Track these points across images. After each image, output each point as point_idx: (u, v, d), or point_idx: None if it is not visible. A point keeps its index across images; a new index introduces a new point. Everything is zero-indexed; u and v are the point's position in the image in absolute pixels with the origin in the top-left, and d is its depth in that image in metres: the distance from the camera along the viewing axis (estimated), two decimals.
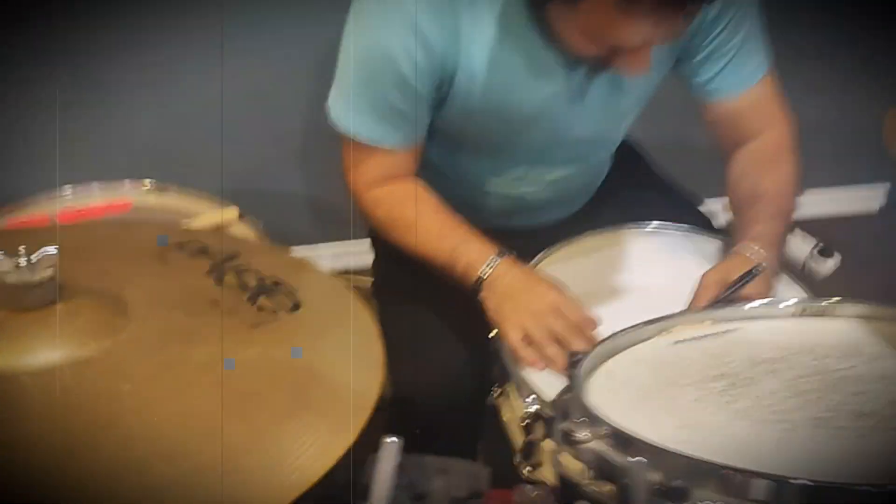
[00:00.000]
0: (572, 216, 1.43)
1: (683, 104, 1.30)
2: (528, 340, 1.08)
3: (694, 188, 1.48)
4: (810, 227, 2.31)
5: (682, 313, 0.90)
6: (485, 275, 1.14)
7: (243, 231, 1.34)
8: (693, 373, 0.84)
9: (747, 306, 0.97)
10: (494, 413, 1.11)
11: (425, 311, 1.28)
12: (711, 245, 1.27)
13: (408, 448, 1.26)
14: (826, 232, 2.31)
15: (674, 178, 1.52)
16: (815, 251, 2.22)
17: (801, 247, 2.27)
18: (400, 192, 1.24)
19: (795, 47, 1.88)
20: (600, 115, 1.25)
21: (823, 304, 0.97)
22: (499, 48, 1.13)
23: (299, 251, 2.09)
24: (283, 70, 1.95)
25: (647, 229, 1.30)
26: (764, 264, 1.10)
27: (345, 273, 2.08)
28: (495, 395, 1.11)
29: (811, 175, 2.32)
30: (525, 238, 1.38)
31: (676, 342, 0.87)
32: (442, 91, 1.17)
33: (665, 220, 1.34)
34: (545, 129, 1.23)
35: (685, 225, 1.31)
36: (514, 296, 1.11)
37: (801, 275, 1.98)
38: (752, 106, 1.27)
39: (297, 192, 2.13)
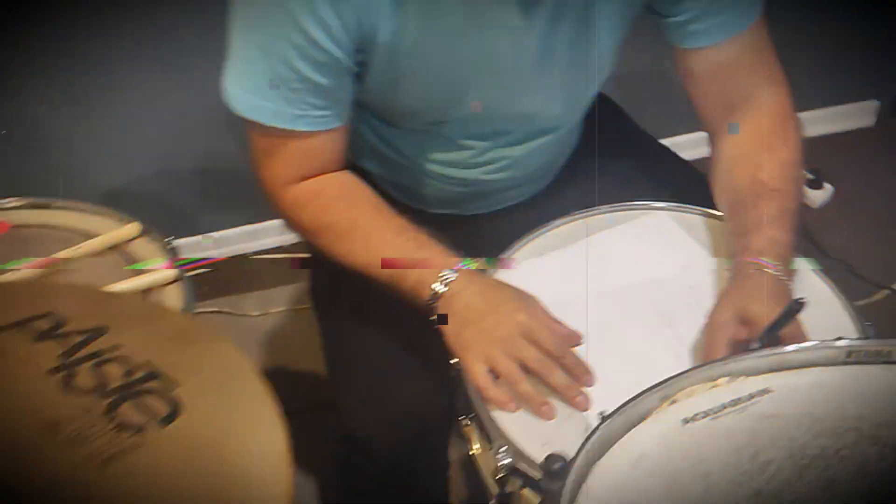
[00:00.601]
0: (538, 196, 1.19)
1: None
2: (496, 374, 0.87)
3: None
4: (804, 149, 2.18)
5: (688, 373, 0.65)
6: (439, 292, 0.92)
7: (146, 250, 1.09)
8: (721, 485, 0.58)
9: (770, 353, 0.68)
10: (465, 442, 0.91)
11: (377, 332, 1.05)
12: (707, 225, 1.04)
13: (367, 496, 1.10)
14: (819, 155, 2.17)
15: (657, 135, 1.27)
16: (806, 183, 2.07)
17: None
18: (327, 190, 0.99)
19: None
20: (568, 70, 1.00)
21: (880, 346, 0.65)
22: None
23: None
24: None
25: (629, 210, 1.07)
26: (805, 298, 0.82)
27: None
28: (465, 423, 0.91)
29: (799, 98, 2.23)
30: (482, 226, 1.15)
31: (686, 421, 0.62)
32: (364, 54, 0.92)
33: (650, 196, 1.10)
34: (500, 93, 0.99)
35: (673, 203, 1.08)
36: (476, 319, 0.89)
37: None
38: (743, 57, 1.01)
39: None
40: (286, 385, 1.70)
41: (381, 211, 0.98)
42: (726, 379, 0.64)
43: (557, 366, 0.86)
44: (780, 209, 0.94)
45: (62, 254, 1.02)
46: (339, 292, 1.10)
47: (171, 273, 1.00)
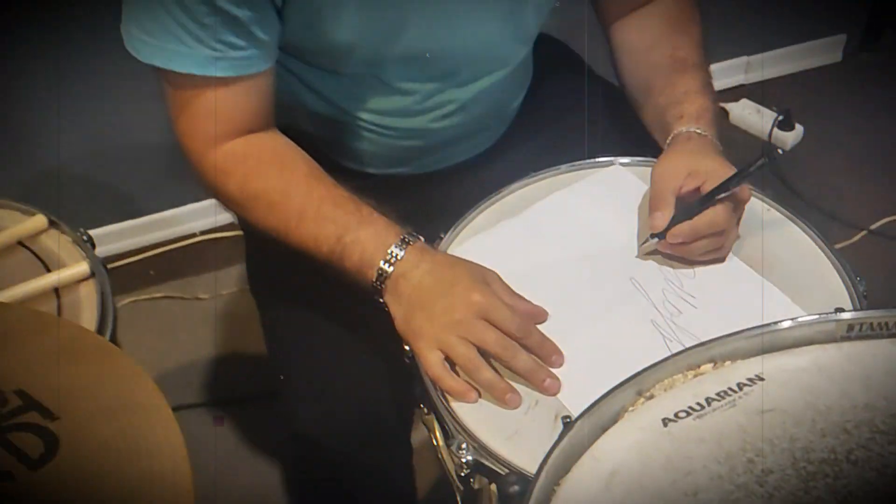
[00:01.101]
0: (490, 151, 1.09)
1: None
2: (453, 363, 0.77)
3: None
4: (772, 89, 2.12)
5: (665, 361, 0.55)
6: (386, 272, 0.81)
7: (53, 244, 0.97)
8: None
9: (760, 331, 0.57)
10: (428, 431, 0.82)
11: (321, 316, 0.94)
12: None
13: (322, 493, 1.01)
14: (786, 94, 2.09)
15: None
16: (776, 125, 1.99)
17: (759, 121, 2.04)
18: (256, 154, 0.88)
19: None
20: None
21: (884, 316, 0.55)
22: None
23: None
24: None
25: (590, 168, 0.98)
26: (780, 150, 0.84)
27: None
28: (425, 412, 0.82)
29: (765, 37, 2.16)
30: (433, 188, 1.05)
31: (666, 422, 0.52)
32: None
33: (610, 145, 1.01)
34: (440, 24, 0.88)
35: (639, 158, 0.98)
36: (427, 302, 0.79)
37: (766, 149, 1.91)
38: None
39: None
40: (241, 370, 1.64)
41: (318, 179, 0.87)
42: (710, 365, 0.54)
43: (520, 347, 0.76)
44: (704, 82, 0.94)
45: None
46: (278, 272, 0.99)
47: (83, 269, 0.89)
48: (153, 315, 1.75)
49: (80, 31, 1.56)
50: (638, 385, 0.53)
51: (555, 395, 0.75)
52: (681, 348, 0.74)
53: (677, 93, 0.92)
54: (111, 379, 0.55)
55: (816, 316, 0.54)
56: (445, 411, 0.77)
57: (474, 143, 1.06)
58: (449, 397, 0.77)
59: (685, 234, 0.82)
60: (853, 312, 0.54)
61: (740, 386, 0.52)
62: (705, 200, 0.81)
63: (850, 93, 2.13)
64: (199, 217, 1.90)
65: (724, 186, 0.80)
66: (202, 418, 1.56)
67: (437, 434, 0.81)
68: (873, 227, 1.77)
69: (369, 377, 0.93)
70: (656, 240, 0.83)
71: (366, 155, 1.01)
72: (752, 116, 2.05)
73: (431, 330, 0.78)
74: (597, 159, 0.99)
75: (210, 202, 1.87)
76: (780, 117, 2.00)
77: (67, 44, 1.58)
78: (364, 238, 0.83)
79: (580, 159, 0.99)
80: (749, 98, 2.09)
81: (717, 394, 0.52)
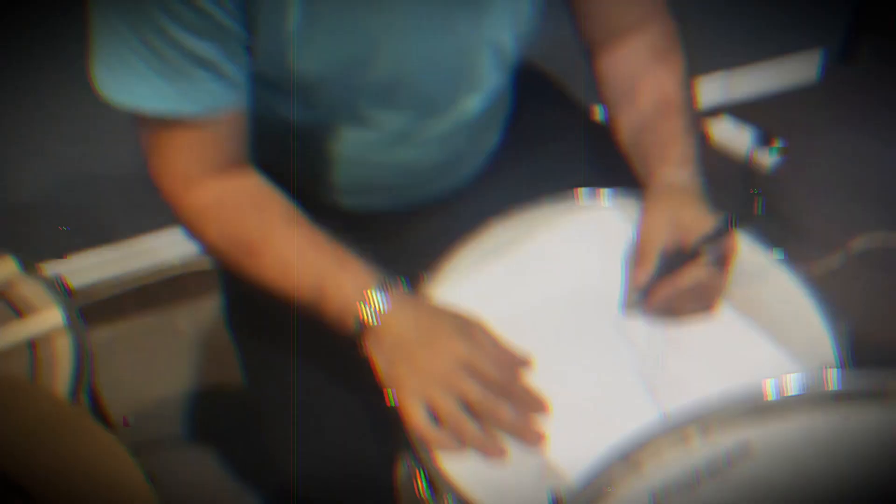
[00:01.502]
0: (468, 186, 1.07)
1: None
2: (436, 417, 0.76)
3: None
4: (749, 107, 2.12)
5: (651, 429, 0.54)
6: (367, 322, 0.80)
7: (26, 291, 0.95)
8: None
9: (744, 394, 0.54)
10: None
11: (304, 356, 0.92)
12: None
13: None
14: (766, 113, 2.09)
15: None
16: (756, 146, 1.99)
17: (739, 141, 2.03)
18: (234, 198, 0.86)
19: None
20: (487, 17, 0.88)
21: (877, 380, 0.52)
22: None
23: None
24: None
25: (575, 203, 0.96)
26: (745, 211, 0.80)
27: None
28: (409, 460, 0.80)
29: (741, 52, 2.16)
30: (413, 226, 1.04)
31: (656, 499, 0.49)
32: (251, 12, 0.78)
33: (595, 181, 0.99)
34: (412, 48, 0.86)
35: (626, 194, 0.96)
36: (409, 354, 0.78)
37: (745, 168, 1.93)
38: None
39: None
40: (223, 405, 1.61)
41: (296, 222, 0.86)
42: (698, 431, 0.53)
43: (504, 400, 0.75)
44: (690, 120, 0.92)
45: None
46: (255, 309, 0.97)
47: (55, 318, 0.87)
48: (131, 347, 1.72)
49: (44, 54, 1.54)
50: (626, 454, 0.52)
51: (538, 445, 0.74)
52: (665, 400, 0.75)
53: (660, 136, 0.90)
54: (86, 458, 0.52)
55: (805, 380, 0.53)
56: (432, 466, 0.75)
57: (453, 177, 1.05)
58: (436, 454, 0.76)
59: (666, 293, 0.81)
60: (844, 376, 0.52)
61: (729, 457, 0.51)
62: (683, 257, 0.79)
63: (829, 109, 2.14)
64: (180, 246, 1.87)
65: (698, 245, 0.79)
66: (181, 455, 1.54)
67: (422, 485, 0.79)
68: (853, 246, 1.77)
69: (352, 423, 0.91)
70: (636, 303, 0.82)
71: (341, 188, 1.00)
72: (731, 134, 2.04)
73: (414, 383, 0.77)
74: (582, 195, 0.97)
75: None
76: (760, 135, 1.99)
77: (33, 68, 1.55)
78: (344, 284, 0.81)
79: (564, 193, 0.98)
80: (728, 115, 2.09)
81: (706, 464, 0.51)
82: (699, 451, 0.51)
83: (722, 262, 0.81)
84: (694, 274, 0.80)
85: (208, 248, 0.89)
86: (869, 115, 2.09)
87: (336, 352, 0.86)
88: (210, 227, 0.86)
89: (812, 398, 0.52)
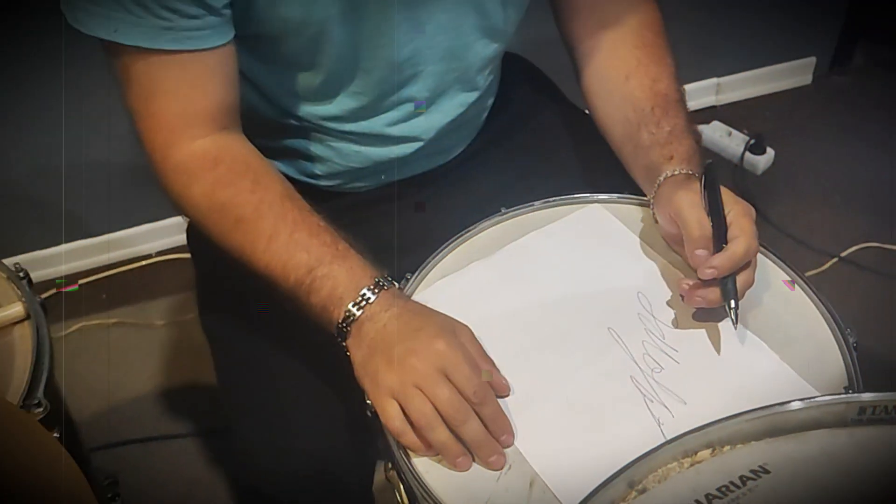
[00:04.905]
0: (451, 169, 1.02)
1: None
2: (406, 415, 0.71)
3: None
4: (741, 112, 2.10)
5: (657, 449, 0.49)
6: (353, 315, 0.75)
7: None
8: None
9: (754, 414, 0.50)
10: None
11: (280, 355, 0.87)
12: (647, 216, 0.89)
13: None
14: (757, 118, 2.07)
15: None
16: (748, 149, 1.97)
17: (731, 144, 2.00)
18: (228, 161, 0.79)
19: None
20: None
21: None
22: None
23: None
24: None
25: (566, 205, 0.92)
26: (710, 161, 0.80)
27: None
28: (389, 467, 0.76)
29: (736, 59, 2.13)
30: (389, 204, 0.98)
31: None
32: None
33: (585, 178, 0.97)
34: (400, 5, 0.81)
35: (618, 195, 0.91)
36: (388, 345, 0.73)
37: (737, 173, 1.89)
38: None
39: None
40: (198, 402, 1.56)
41: (293, 201, 0.79)
42: (708, 451, 0.48)
43: (473, 413, 0.70)
44: (688, 119, 0.88)
45: None
46: (230, 303, 0.92)
47: (17, 310, 0.81)
48: (104, 342, 1.67)
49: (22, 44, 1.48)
50: (629, 477, 0.47)
51: (498, 470, 0.69)
52: (663, 409, 0.70)
53: (663, 132, 0.86)
54: (30, 468, 0.47)
55: (827, 397, 0.49)
56: (411, 475, 0.71)
57: (436, 155, 1.00)
58: (415, 461, 0.71)
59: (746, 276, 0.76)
60: (866, 395, 0.48)
61: (743, 480, 0.46)
62: (718, 226, 0.76)
63: (820, 116, 2.12)
64: (155, 238, 1.82)
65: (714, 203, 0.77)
66: (155, 452, 1.49)
67: (402, 494, 0.75)
68: (844, 254, 1.75)
69: (328, 426, 0.87)
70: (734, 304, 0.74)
71: (319, 164, 0.95)
72: (722, 139, 2.03)
73: (388, 377, 0.72)
74: (573, 195, 0.93)
75: (167, 222, 1.79)
76: (752, 141, 1.97)
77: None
78: (337, 274, 0.76)
79: (553, 186, 0.93)
80: (720, 120, 2.07)
81: (719, 489, 0.46)
82: (710, 474, 0.47)
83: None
84: (745, 244, 0.75)
85: (190, 210, 0.81)
86: (858, 123, 2.07)
87: (313, 347, 0.82)
88: (196, 186, 0.79)
89: (831, 416, 0.47)
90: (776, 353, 0.76)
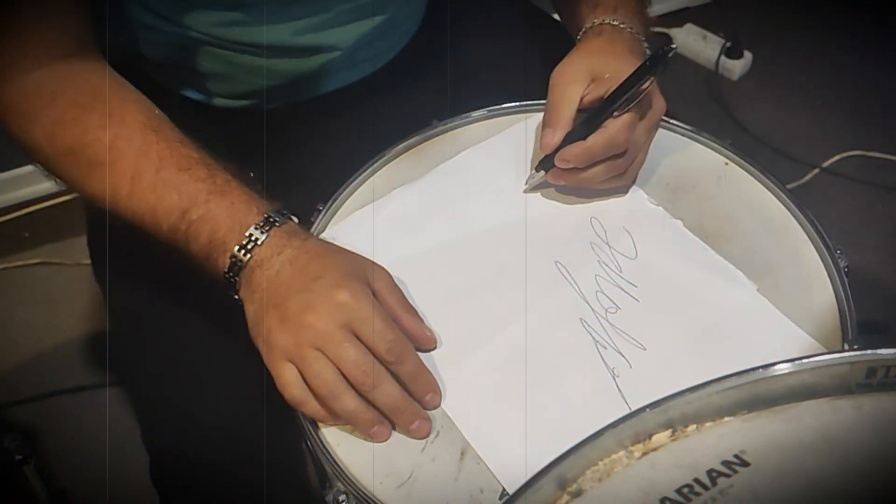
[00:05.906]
0: (379, 81, 0.86)
1: None
2: (305, 381, 0.59)
3: None
4: (716, 13, 1.95)
5: (597, 435, 0.34)
6: (241, 261, 0.61)
7: None
8: None
9: (728, 382, 0.36)
10: None
11: (178, 312, 0.74)
12: None
13: None
14: (733, 19, 1.92)
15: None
16: (724, 53, 1.83)
17: (706, 48, 1.87)
18: (72, 92, 0.65)
19: None
20: None
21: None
22: None
23: None
24: None
25: (506, 115, 0.78)
26: (674, 45, 0.65)
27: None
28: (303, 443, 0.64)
29: None
30: (295, 127, 0.83)
31: None
32: None
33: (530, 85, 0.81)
34: None
35: None
36: (282, 297, 0.60)
37: (712, 79, 1.76)
38: None
39: None
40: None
41: (157, 131, 0.65)
42: (666, 433, 0.35)
43: (388, 374, 0.58)
44: None
45: None
46: (122, 252, 0.78)
47: None
48: (28, 284, 1.54)
49: None
50: (560, 474, 0.35)
51: (423, 438, 0.58)
52: (619, 358, 0.58)
53: None
54: None
55: (824, 357, 0.35)
56: (319, 448, 0.59)
57: (357, 66, 0.85)
58: (324, 431, 0.60)
59: (577, 156, 0.65)
60: (877, 352, 0.35)
61: (713, 477, 0.33)
62: (600, 113, 0.64)
63: (802, 15, 1.97)
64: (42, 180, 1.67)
65: (621, 91, 0.63)
66: (87, 402, 1.37)
67: (311, 467, 0.63)
68: (827, 164, 1.64)
69: (232, 384, 0.74)
70: (542, 172, 0.67)
71: (221, 83, 0.80)
72: (697, 43, 1.89)
73: (281, 337, 0.59)
74: (516, 103, 0.79)
75: None
76: (728, 44, 1.84)
77: None
78: (216, 214, 0.62)
79: (501, 101, 0.79)
80: (694, 23, 1.92)
81: (679, 491, 0.33)
82: (669, 467, 0.34)
83: (647, 121, 0.67)
84: (609, 136, 0.64)
85: (35, 156, 0.67)
86: (844, 25, 1.93)
87: (214, 298, 0.68)
88: (35, 128, 0.65)
89: (831, 380, 0.35)
90: (754, 283, 0.64)
